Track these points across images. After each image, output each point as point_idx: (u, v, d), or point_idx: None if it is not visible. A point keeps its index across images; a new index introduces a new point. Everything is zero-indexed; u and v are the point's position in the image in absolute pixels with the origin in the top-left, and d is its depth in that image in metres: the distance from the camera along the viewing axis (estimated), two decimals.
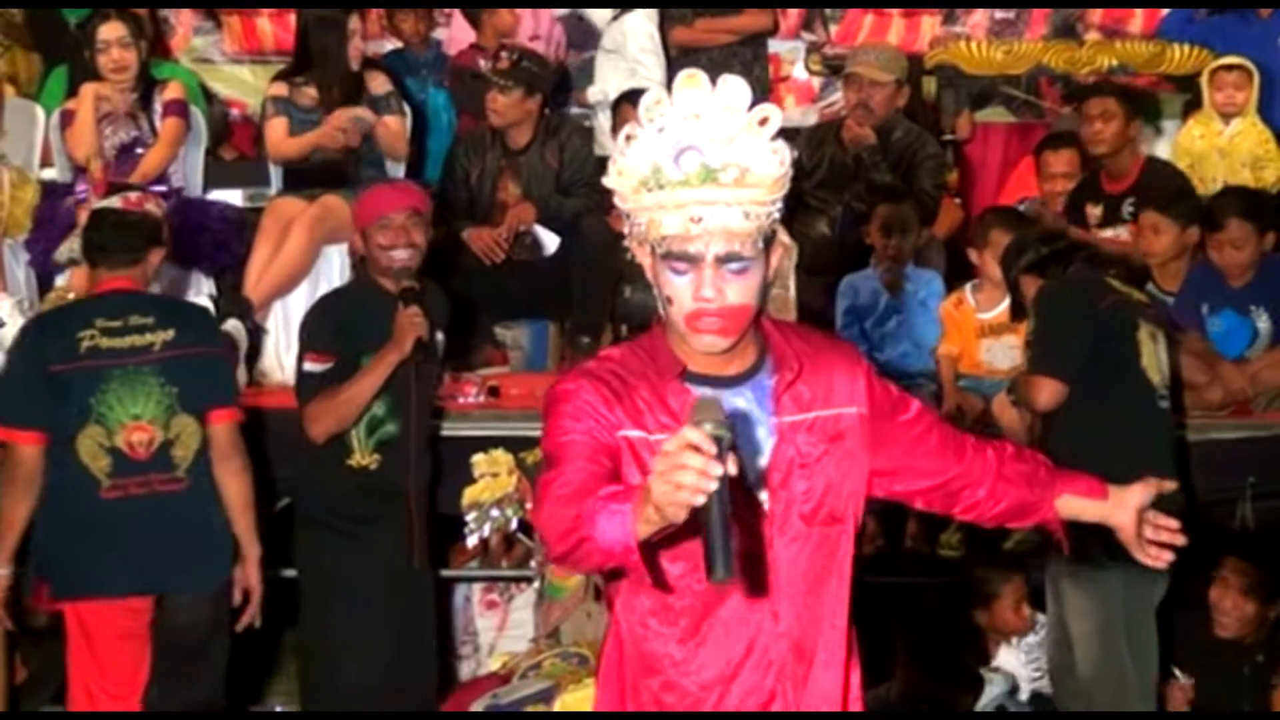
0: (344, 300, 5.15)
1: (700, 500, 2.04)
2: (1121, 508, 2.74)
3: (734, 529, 2.11)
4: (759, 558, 2.52)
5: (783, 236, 2.57)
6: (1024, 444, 4.80)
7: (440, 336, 5.08)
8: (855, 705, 2.66)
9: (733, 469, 2.05)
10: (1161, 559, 2.73)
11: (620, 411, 2.48)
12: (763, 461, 2.53)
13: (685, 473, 2.03)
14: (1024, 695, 5.41)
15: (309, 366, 4.90)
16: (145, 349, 4.61)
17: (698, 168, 2.41)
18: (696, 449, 2.04)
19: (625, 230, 2.53)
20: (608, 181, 2.50)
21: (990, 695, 5.22)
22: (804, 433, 2.56)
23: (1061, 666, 5.00)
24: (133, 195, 5.04)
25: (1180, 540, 2.73)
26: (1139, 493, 2.74)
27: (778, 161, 2.44)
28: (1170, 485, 2.75)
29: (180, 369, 4.63)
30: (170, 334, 4.63)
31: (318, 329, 4.99)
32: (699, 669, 2.55)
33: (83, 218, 5.24)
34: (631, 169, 2.44)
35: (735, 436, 2.08)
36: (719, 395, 2.32)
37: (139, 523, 4.59)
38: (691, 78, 2.44)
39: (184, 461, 4.63)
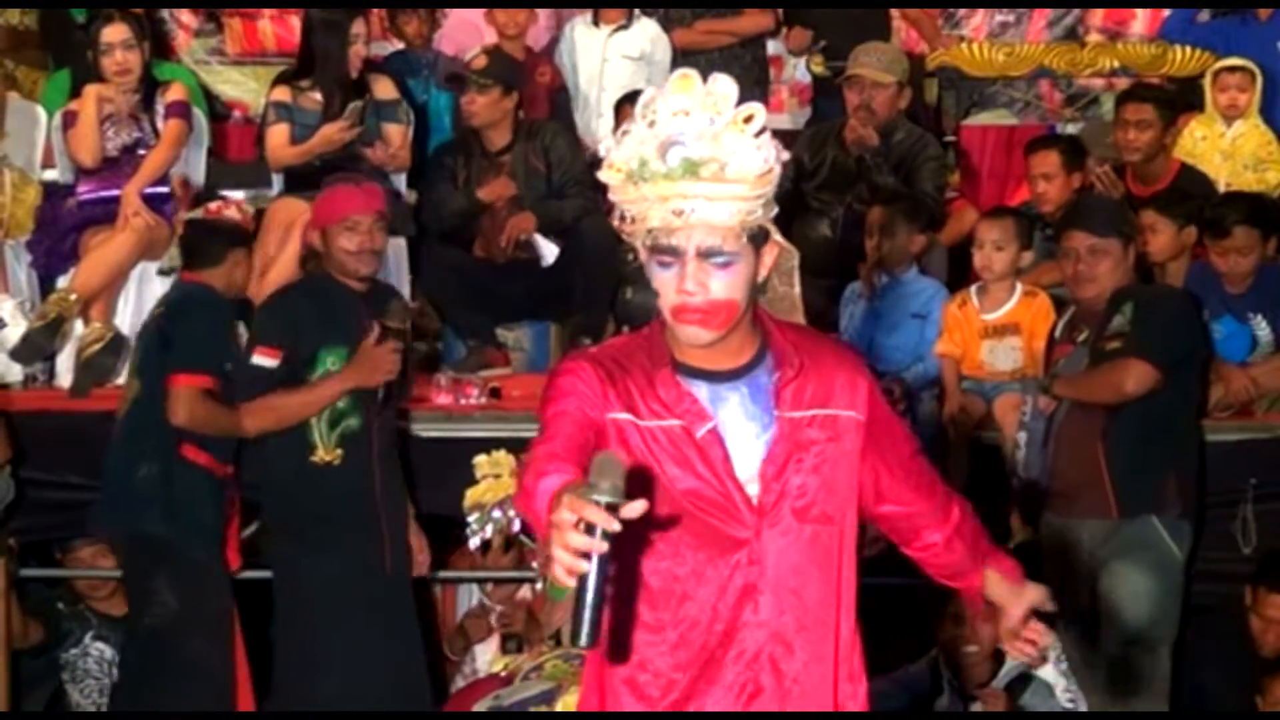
0: (299, 295, 5.16)
1: (578, 572, 2.14)
2: (1020, 600, 2.82)
3: (607, 600, 2.20)
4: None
5: (777, 238, 2.60)
6: (1039, 445, 5.13)
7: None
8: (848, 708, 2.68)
9: (617, 526, 2.14)
10: (1026, 652, 2.85)
11: (613, 395, 2.54)
12: (756, 454, 2.57)
13: (566, 550, 2.13)
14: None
15: (258, 360, 4.93)
16: (145, 323, 5.35)
17: (680, 161, 2.46)
18: (583, 525, 2.13)
19: (617, 225, 2.58)
20: (601, 175, 2.54)
21: (1010, 665, 5.25)
22: (804, 429, 2.59)
23: (1081, 652, 5.10)
24: (213, 204, 5.44)
25: (1048, 643, 2.88)
26: (1035, 594, 2.83)
27: (761, 158, 2.47)
28: (1051, 607, 2.87)
29: (147, 338, 5.20)
30: (161, 310, 5.25)
31: (270, 323, 5.02)
32: (673, 649, 2.58)
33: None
34: (621, 162, 2.50)
35: (623, 497, 2.17)
36: (618, 454, 2.31)
37: (105, 466, 5.20)
38: (684, 78, 2.50)
39: (121, 416, 5.19)
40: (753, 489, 2.57)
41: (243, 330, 5.37)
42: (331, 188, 5.24)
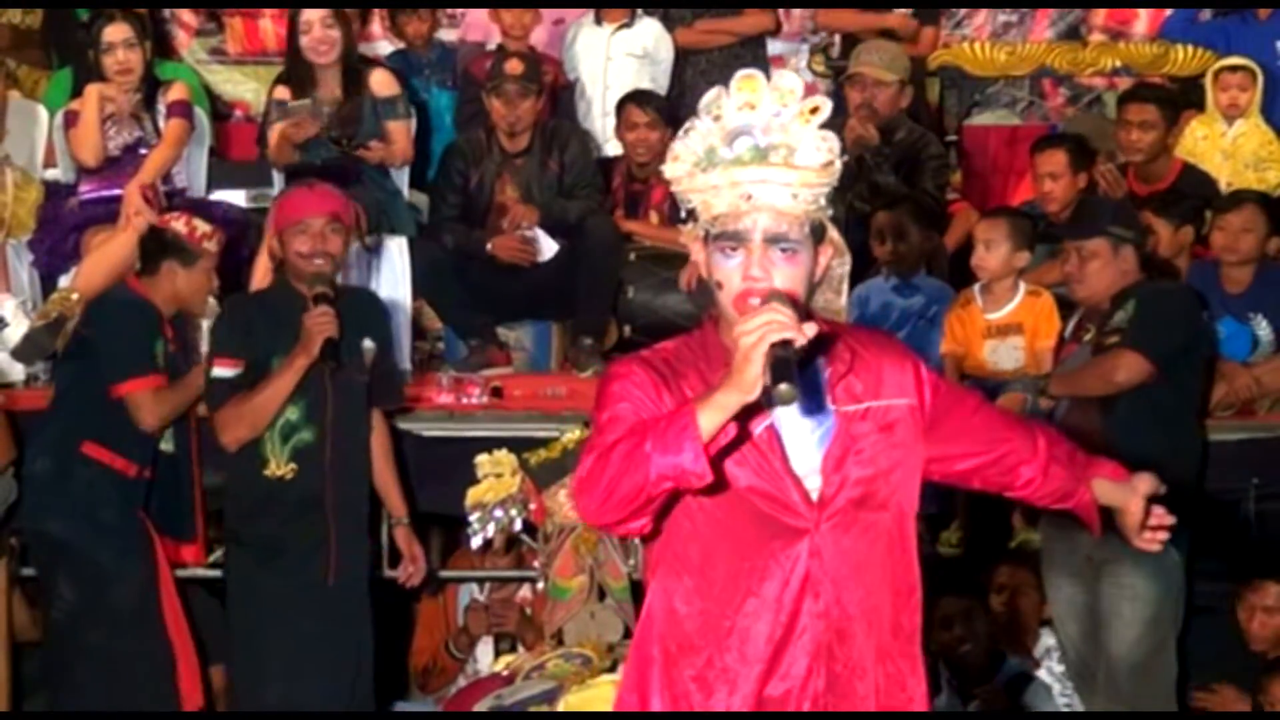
0: (255, 303, 5.15)
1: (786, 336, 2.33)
2: (1135, 494, 2.88)
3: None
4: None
5: (834, 235, 2.64)
6: None
7: (369, 344, 5.02)
8: (917, 696, 2.73)
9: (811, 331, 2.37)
10: (1156, 541, 2.89)
11: (668, 398, 2.57)
12: (813, 448, 2.62)
13: (773, 324, 2.34)
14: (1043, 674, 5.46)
15: (218, 371, 4.88)
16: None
17: (748, 148, 2.53)
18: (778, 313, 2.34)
19: (685, 214, 2.63)
20: (666, 169, 2.61)
21: (1009, 665, 5.28)
22: (858, 422, 2.64)
23: (1084, 654, 5.12)
24: (168, 214, 5.45)
25: (1171, 523, 2.88)
26: (1149, 482, 2.88)
27: (826, 149, 2.54)
28: (1163, 489, 2.91)
29: (75, 346, 5.30)
30: (83, 314, 5.40)
31: (227, 332, 4.97)
32: (741, 643, 2.62)
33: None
34: (687, 153, 2.58)
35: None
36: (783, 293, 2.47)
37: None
38: (749, 78, 2.57)
39: None
40: (811, 483, 2.61)
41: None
42: (285, 192, 5.20)
